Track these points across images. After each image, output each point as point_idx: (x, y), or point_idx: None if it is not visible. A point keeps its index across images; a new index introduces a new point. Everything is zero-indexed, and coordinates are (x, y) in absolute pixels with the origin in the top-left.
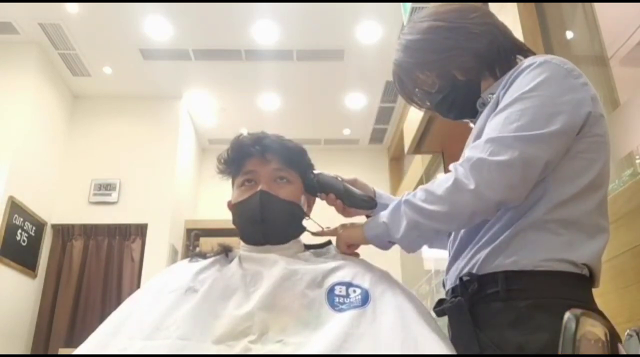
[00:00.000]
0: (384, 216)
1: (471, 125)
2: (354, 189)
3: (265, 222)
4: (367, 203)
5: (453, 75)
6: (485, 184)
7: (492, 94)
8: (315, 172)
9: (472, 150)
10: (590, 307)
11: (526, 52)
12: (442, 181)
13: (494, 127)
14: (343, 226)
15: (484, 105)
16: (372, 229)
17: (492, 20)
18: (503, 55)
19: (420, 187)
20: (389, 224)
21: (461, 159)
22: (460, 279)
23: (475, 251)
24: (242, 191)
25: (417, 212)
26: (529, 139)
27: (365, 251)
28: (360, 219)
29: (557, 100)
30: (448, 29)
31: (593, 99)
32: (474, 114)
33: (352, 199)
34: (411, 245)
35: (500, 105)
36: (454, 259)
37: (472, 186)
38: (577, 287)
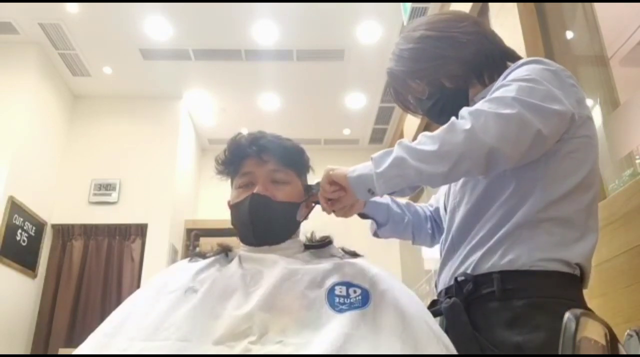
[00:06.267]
0: (375, 154)
1: None
2: None
3: (255, 224)
4: None
5: (441, 83)
6: (480, 127)
7: (484, 98)
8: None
9: (472, 107)
10: (584, 307)
11: (515, 59)
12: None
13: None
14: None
15: None
16: (358, 169)
17: (480, 28)
18: (491, 61)
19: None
20: (376, 159)
21: None
22: (456, 279)
23: (469, 251)
24: (239, 193)
25: (406, 151)
26: (527, 104)
27: (365, 251)
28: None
29: (553, 88)
30: (437, 39)
31: (579, 102)
32: None
33: None
34: (387, 184)
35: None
36: (446, 260)
37: (467, 126)
38: (571, 287)
